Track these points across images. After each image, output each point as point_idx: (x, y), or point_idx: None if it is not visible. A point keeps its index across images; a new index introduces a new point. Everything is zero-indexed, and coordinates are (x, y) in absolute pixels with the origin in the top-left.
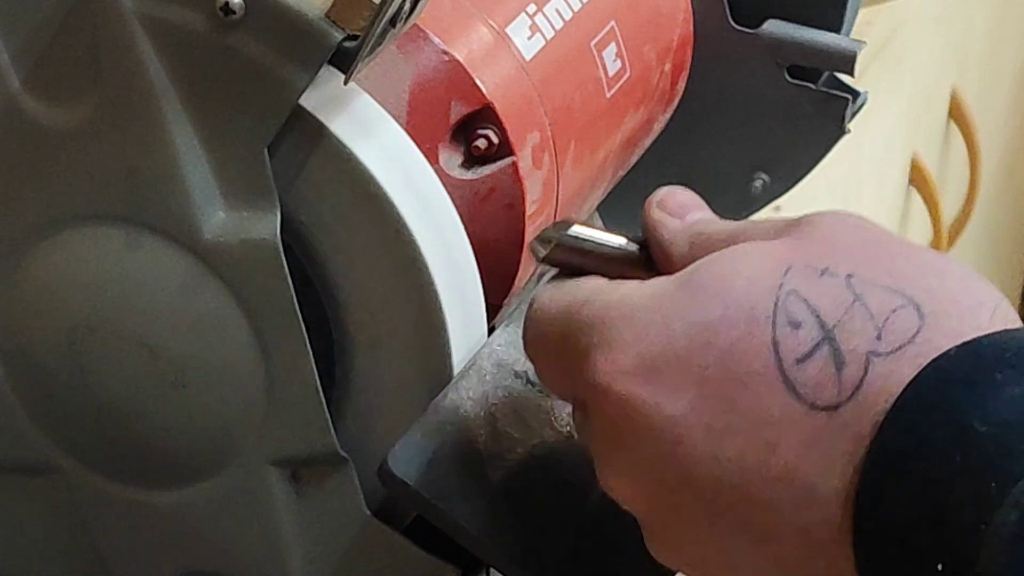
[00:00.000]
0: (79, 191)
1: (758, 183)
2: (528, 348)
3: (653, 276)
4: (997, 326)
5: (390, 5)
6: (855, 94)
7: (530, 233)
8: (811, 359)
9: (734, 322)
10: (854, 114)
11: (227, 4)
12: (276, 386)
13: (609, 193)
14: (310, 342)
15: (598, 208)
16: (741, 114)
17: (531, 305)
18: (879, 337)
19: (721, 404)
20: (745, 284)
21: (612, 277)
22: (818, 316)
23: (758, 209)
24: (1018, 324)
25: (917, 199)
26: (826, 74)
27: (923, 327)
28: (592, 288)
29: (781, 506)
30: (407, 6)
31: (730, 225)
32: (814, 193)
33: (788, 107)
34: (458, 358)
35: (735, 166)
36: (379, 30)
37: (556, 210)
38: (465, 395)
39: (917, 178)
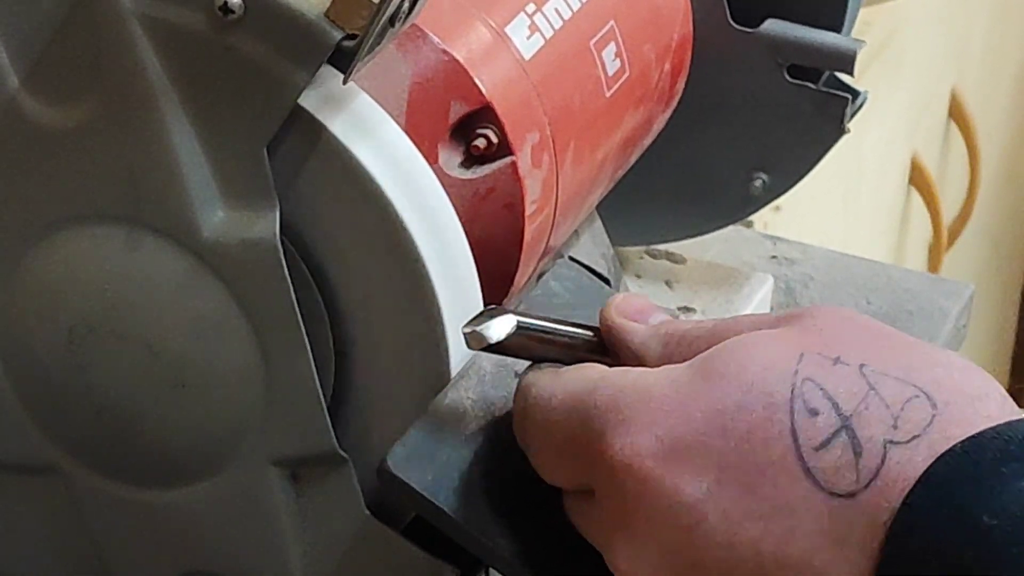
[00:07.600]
0: (79, 191)
1: (758, 183)
2: (529, 437)
3: (615, 362)
4: (1005, 416)
5: (389, 4)
6: (855, 94)
7: (530, 232)
8: (830, 446)
9: (752, 408)
10: (854, 114)
11: (226, 4)
12: (275, 386)
13: (609, 193)
14: (309, 342)
15: (598, 208)
16: (741, 114)
17: (525, 394)
18: (895, 426)
19: (739, 490)
20: (761, 371)
21: (570, 363)
22: (835, 404)
23: (758, 209)
24: (1021, 415)
25: (917, 199)
26: (826, 74)
27: (936, 416)
28: (599, 373)
29: None
30: (406, 5)
31: (706, 323)
32: (814, 193)
33: (788, 107)
34: (457, 358)
35: (735, 166)
36: (378, 29)
37: (556, 210)
38: (465, 395)
39: (917, 178)
